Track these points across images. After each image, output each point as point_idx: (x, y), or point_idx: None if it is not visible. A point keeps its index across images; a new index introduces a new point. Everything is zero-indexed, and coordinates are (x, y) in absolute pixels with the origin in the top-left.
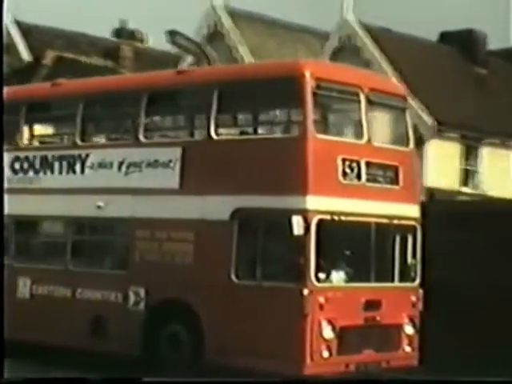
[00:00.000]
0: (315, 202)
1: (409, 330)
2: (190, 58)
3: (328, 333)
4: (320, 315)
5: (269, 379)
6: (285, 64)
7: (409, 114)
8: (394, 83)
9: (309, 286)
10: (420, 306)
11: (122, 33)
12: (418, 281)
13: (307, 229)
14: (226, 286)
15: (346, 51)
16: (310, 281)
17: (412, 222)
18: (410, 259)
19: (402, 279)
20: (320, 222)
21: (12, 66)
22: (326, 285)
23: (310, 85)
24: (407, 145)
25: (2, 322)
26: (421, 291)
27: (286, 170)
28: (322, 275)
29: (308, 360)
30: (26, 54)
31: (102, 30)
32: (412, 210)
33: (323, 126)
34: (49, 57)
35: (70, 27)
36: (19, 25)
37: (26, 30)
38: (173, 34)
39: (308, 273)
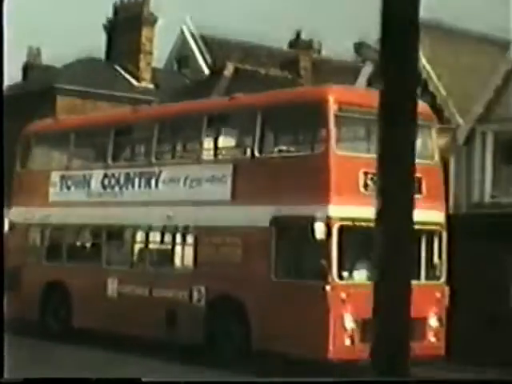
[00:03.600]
0: (337, 211)
1: (434, 322)
2: (368, 67)
3: (350, 324)
4: (342, 308)
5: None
6: (313, 90)
7: (434, 131)
8: (420, 103)
9: (331, 284)
10: (446, 301)
11: (298, 43)
12: (443, 279)
13: (329, 233)
14: (267, 283)
15: None
16: (332, 279)
17: (436, 227)
18: (435, 260)
19: (427, 277)
20: (342, 228)
21: (192, 78)
22: (348, 282)
23: (332, 108)
24: (432, 158)
25: (2, 321)
26: (447, 288)
27: (313, 182)
28: (345, 274)
29: (331, 347)
30: (205, 67)
31: (278, 40)
32: (436, 216)
33: (346, 143)
34: (229, 69)
35: (247, 39)
36: (198, 37)
37: (205, 43)
38: (360, 46)
39: (331, 272)
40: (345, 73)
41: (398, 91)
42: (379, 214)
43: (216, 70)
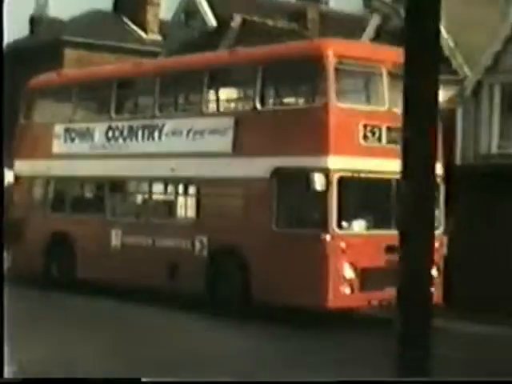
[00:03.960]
0: (336, 162)
1: (432, 272)
2: (376, 19)
3: (349, 273)
4: (342, 258)
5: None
6: (312, 44)
7: None
8: None
9: (330, 233)
10: (444, 251)
11: None
12: (441, 228)
13: (328, 184)
14: (268, 233)
15: None
16: (331, 228)
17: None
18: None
19: None
20: (342, 179)
21: (199, 30)
22: (347, 232)
23: (331, 61)
24: None
25: (2, 319)
26: (444, 238)
27: (313, 134)
28: (344, 224)
29: (331, 296)
30: (212, 19)
31: None
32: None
33: (346, 96)
34: (236, 20)
35: None
36: None
37: None
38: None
39: (330, 222)
40: (352, 25)
41: (420, 43)
42: (404, 165)
43: (223, 22)
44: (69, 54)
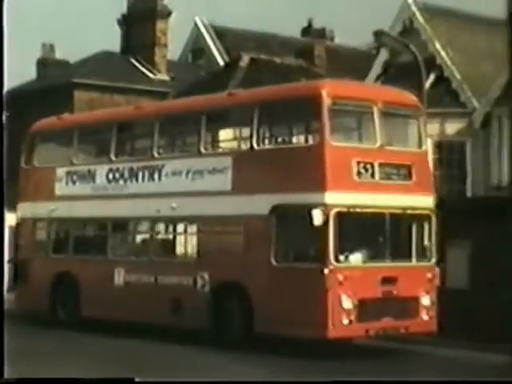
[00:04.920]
0: (333, 198)
1: (425, 301)
2: (384, 54)
3: (347, 304)
4: (340, 290)
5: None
6: (308, 85)
7: (422, 121)
8: (407, 95)
9: (329, 267)
10: (437, 281)
11: (310, 31)
12: (433, 260)
13: (326, 219)
14: (267, 268)
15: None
16: (329, 262)
17: (426, 211)
18: (426, 242)
19: (418, 259)
20: (338, 214)
21: (208, 69)
22: (345, 265)
23: (326, 102)
24: (420, 146)
25: (2, 322)
26: (437, 269)
27: (309, 172)
28: (341, 257)
29: (330, 326)
30: (219, 57)
31: (291, 29)
32: (425, 201)
33: (340, 134)
34: (244, 59)
35: (259, 28)
36: (212, 29)
37: (219, 34)
38: (380, 35)
39: (328, 255)
40: (360, 60)
41: None
42: None
43: (231, 61)
44: (79, 95)
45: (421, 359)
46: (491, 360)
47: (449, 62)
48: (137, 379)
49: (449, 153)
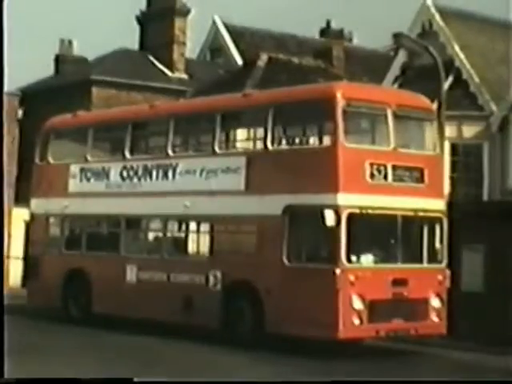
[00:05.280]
0: (345, 199)
1: (435, 303)
2: (402, 56)
3: (358, 305)
4: (351, 290)
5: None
6: (323, 87)
7: (435, 124)
8: (421, 98)
9: (340, 267)
10: (447, 283)
11: (329, 32)
12: (444, 262)
13: (338, 220)
14: (280, 268)
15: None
16: (341, 262)
17: (437, 214)
18: (437, 244)
19: (429, 261)
20: (350, 215)
21: (225, 68)
22: (356, 266)
23: (340, 104)
24: (434, 149)
25: (2, 322)
26: (448, 271)
27: (323, 173)
28: (353, 258)
29: (341, 327)
30: (238, 56)
31: (309, 30)
32: (437, 204)
33: (354, 136)
34: (262, 59)
35: (278, 29)
36: (231, 28)
37: (238, 33)
38: (399, 36)
39: (340, 256)
40: (378, 61)
41: None
42: None
43: (249, 61)
44: (97, 92)
45: (435, 361)
46: (504, 363)
47: (467, 65)
48: (136, 379)
49: (466, 156)
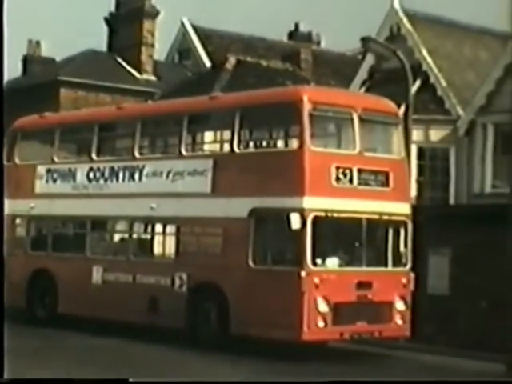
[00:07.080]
0: (311, 202)
1: (400, 306)
2: (370, 60)
3: (323, 307)
4: (316, 293)
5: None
6: (289, 90)
7: (401, 128)
8: (387, 102)
9: (306, 270)
10: (411, 286)
11: (297, 35)
12: (408, 266)
13: (304, 223)
14: (245, 270)
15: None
16: (306, 265)
17: (402, 218)
18: (401, 248)
19: (394, 264)
20: (316, 218)
21: (194, 70)
22: (321, 268)
23: (306, 107)
24: (399, 153)
25: (2, 322)
26: (412, 274)
27: (288, 176)
28: (318, 261)
29: (305, 329)
30: (206, 59)
31: (277, 33)
32: (402, 208)
33: (320, 140)
34: (230, 61)
35: (246, 31)
36: (199, 30)
37: (206, 35)
38: (367, 40)
39: (305, 259)
40: (345, 65)
41: None
42: None
43: (218, 63)
44: (65, 94)
45: (401, 364)
46: (468, 366)
47: (435, 69)
48: (131, 379)
49: (432, 159)
